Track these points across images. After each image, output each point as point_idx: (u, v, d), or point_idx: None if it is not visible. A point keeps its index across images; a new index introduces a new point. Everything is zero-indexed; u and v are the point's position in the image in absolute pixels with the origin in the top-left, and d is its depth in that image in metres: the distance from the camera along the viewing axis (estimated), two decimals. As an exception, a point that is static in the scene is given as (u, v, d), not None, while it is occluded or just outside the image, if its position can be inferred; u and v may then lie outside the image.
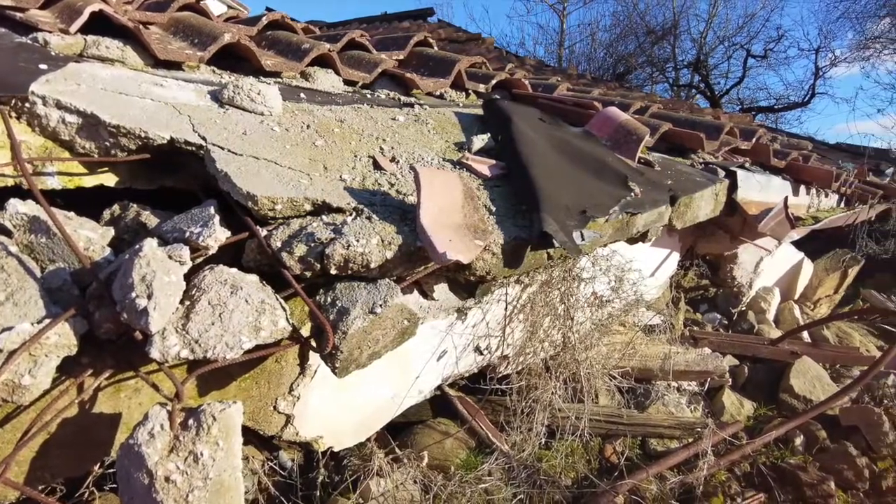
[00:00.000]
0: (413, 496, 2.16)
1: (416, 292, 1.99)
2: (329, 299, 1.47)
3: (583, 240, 1.91)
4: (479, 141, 2.43)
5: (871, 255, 7.20)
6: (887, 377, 3.56)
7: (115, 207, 1.66)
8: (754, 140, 4.66)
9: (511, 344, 2.49)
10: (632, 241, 2.64)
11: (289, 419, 1.85)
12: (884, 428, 2.98)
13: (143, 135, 1.64)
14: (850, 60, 16.71)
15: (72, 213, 1.46)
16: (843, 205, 5.99)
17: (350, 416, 2.14)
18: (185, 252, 1.35)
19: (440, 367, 2.35)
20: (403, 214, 1.68)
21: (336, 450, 2.21)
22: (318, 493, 2.11)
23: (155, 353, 1.23)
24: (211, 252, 1.45)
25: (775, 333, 4.16)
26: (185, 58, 2.34)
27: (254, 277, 1.42)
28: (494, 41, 11.49)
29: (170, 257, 1.32)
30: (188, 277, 1.35)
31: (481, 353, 2.48)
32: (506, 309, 2.36)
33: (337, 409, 2.04)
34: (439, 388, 2.55)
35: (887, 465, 2.90)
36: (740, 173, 3.45)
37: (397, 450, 2.31)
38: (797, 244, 5.61)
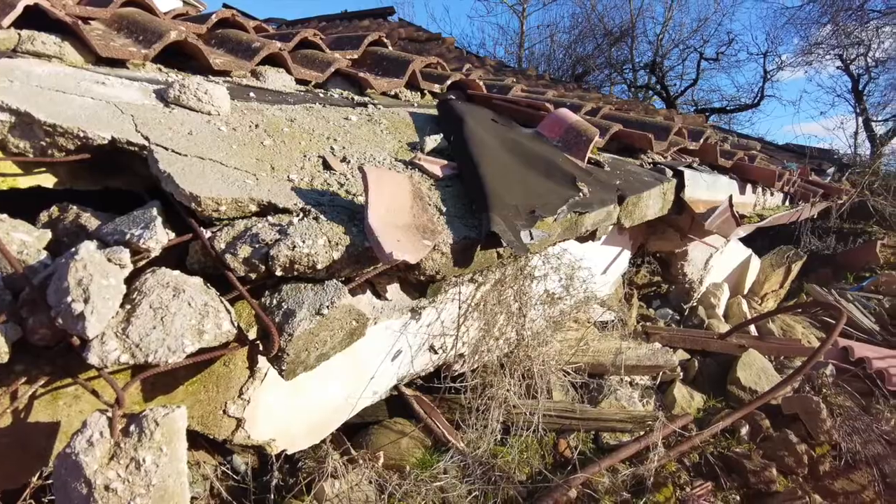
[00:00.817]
0: (368, 496, 2.16)
1: (368, 293, 1.99)
2: (275, 301, 1.46)
3: (531, 239, 1.95)
4: (432, 141, 2.45)
5: (814, 251, 7.53)
6: (826, 367, 3.74)
7: (54, 209, 1.61)
8: (702, 140, 4.82)
9: (466, 342, 2.51)
10: (581, 239, 2.70)
11: (240, 423, 1.82)
12: (822, 416, 3.12)
13: (81, 134, 1.60)
14: (795, 65, 17.45)
15: (3, 215, 1.41)
16: (787, 203, 6.26)
17: (303, 418, 2.12)
18: (125, 255, 1.32)
19: (395, 367, 2.35)
20: (352, 215, 1.68)
21: (290, 452, 2.19)
22: (271, 497, 2.09)
23: (93, 359, 1.20)
24: (154, 255, 1.42)
25: (724, 328, 4.32)
26: (128, 55, 2.28)
27: (197, 280, 1.40)
28: (455, 41, 11.54)
29: (109, 260, 1.29)
30: (130, 281, 1.32)
31: (436, 352, 2.50)
32: (460, 308, 2.38)
33: (289, 411, 2.02)
34: (395, 387, 2.56)
35: (825, 450, 3.05)
36: (687, 173, 3.56)
37: (352, 450, 2.31)
38: (747, 241, 5.82)
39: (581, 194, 2.37)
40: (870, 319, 5.30)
